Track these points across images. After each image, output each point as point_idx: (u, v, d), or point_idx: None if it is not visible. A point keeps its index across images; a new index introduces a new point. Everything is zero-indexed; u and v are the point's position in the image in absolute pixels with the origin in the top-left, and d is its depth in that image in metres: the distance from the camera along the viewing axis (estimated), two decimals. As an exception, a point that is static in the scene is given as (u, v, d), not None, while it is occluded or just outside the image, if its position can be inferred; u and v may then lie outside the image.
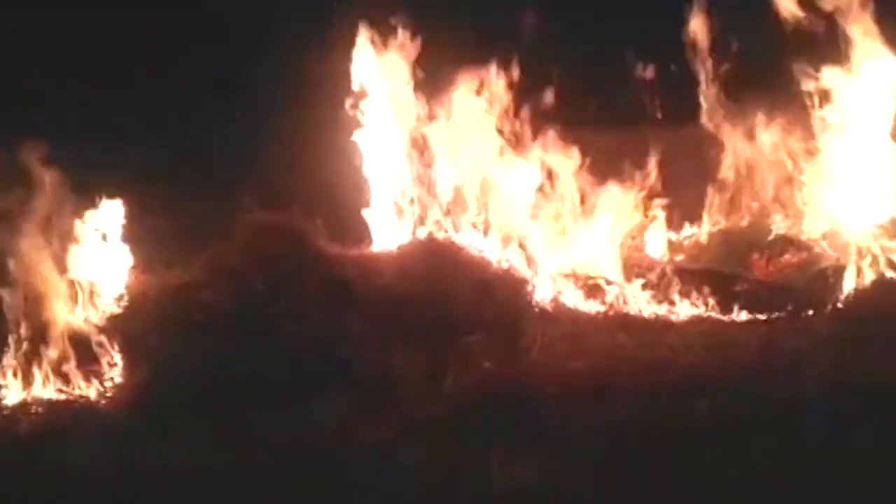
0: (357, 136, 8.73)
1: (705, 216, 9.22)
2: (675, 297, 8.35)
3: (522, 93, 8.80)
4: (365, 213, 8.78)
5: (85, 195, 7.87)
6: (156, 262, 8.09)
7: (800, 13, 8.70)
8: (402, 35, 8.64)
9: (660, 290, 8.42)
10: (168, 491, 6.30)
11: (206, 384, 7.07)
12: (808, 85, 8.66)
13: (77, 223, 7.84)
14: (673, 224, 9.23)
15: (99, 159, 8.07)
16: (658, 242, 9.18)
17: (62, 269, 7.69)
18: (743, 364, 7.16)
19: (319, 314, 7.53)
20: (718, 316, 8.13)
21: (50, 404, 7.31)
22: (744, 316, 8.06)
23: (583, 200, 8.95)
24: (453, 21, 8.62)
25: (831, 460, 6.12)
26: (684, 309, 8.26)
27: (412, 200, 8.74)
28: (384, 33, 8.64)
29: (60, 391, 7.40)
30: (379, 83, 8.70)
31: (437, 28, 8.60)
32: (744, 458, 6.21)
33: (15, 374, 7.44)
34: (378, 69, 8.68)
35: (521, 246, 8.63)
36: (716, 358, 7.32)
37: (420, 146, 8.77)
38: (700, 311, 8.21)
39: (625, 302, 8.40)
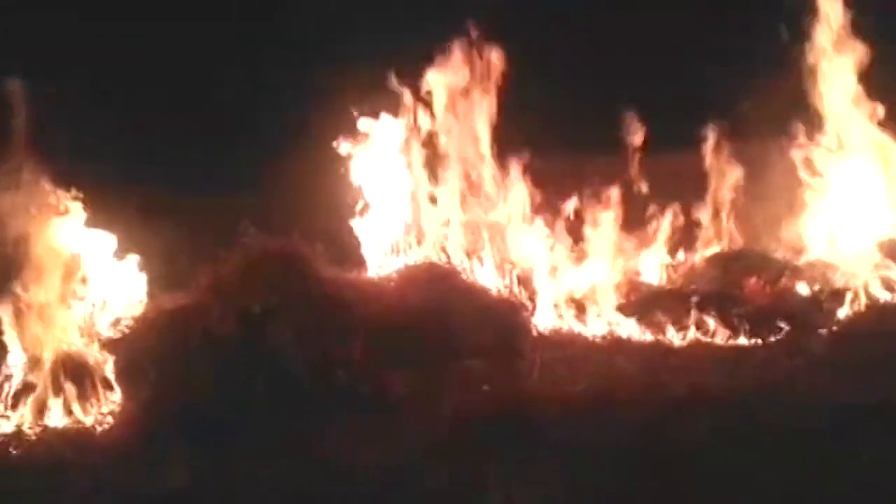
0: (357, 164, 8.80)
1: (701, 240, 9.28)
2: (671, 321, 8.37)
3: (520, 119, 8.87)
4: (364, 238, 8.82)
5: (82, 218, 7.85)
6: (154, 287, 8.08)
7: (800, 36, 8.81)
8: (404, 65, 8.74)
9: (657, 314, 8.45)
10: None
11: (205, 409, 7.04)
12: (806, 110, 8.74)
13: (74, 247, 7.80)
14: (669, 248, 9.27)
15: (96, 181, 8.04)
16: (654, 267, 9.23)
17: (60, 293, 7.62)
18: (741, 387, 7.20)
19: (318, 339, 7.51)
20: (717, 340, 8.15)
21: (46, 433, 7.18)
22: (742, 340, 8.09)
23: (580, 226, 9.02)
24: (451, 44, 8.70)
25: (830, 482, 6.13)
26: (682, 333, 8.27)
27: (411, 226, 8.80)
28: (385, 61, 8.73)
29: (56, 419, 7.27)
30: (378, 111, 8.77)
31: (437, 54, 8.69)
32: (742, 481, 6.22)
33: (8, 403, 7.32)
34: (377, 98, 8.76)
35: (519, 272, 8.69)
36: (714, 381, 7.35)
37: (419, 172, 8.83)
38: (697, 335, 8.22)
39: (622, 326, 8.43)
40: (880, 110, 8.76)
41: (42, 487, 6.53)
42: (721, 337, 8.14)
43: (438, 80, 8.80)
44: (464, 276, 8.52)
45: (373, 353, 7.52)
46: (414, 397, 7.26)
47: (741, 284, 8.66)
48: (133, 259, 8.03)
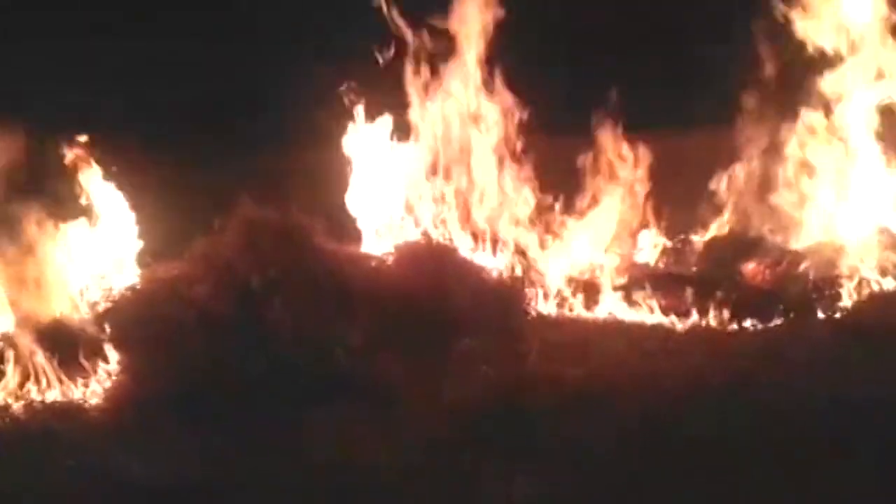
0: (356, 135, 8.65)
1: (701, 222, 9.18)
2: (670, 304, 8.28)
3: (522, 94, 8.73)
4: (362, 212, 8.70)
5: (75, 182, 7.68)
6: (147, 255, 7.93)
7: (797, 20, 8.67)
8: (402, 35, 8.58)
9: (654, 296, 8.36)
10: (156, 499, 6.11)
11: (197, 385, 6.92)
12: (807, 91, 8.61)
13: (67, 214, 7.62)
14: (667, 230, 9.17)
15: (90, 143, 7.88)
16: (651, 248, 9.13)
17: (50, 260, 7.44)
18: (740, 373, 7.09)
19: (315, 314, 7.40)
20: (715, 324, 8.05)
21: (36, 406, 7.03)
22: (743, 324, 7.98)
23: (578, 203, 8.92)
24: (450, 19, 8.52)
25: (831, 472, 6.04)
26: (681, 317, 8.17)
27: (410, 201, 8.68)
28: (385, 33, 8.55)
29: (48, 391, 7.12)
30: (379, 83, 8.63)
31: (439, 26, 8.52)
32: (741, 470, 6.13)
33: (-2, 374, 7.12)
34: (378, 69, 8.61)
35: (518, 250, 8.58)
36: (714, 367, 7.24)
37: (419, 146, 8.69)
38: (696, 319, 8.13)
39: (621, 309, 8.34)
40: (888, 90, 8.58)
41: (29, 462, 6.38)
42: (720, 322, 8.02)
43: (439, 49, 8.65)
44: (462, 255, 8.41)
45: (371, 332, 7.41)
46: (411, 379, 7.14)
47: (740, 268, 8.55)
48: (126, 225, 7.83)
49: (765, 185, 8.92)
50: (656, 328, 8.12)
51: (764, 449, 6.25)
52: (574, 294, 8.46)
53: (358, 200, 8.71)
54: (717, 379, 7.01)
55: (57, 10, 8.92)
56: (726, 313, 7.99)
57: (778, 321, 7.87)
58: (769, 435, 6.36)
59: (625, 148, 8.95)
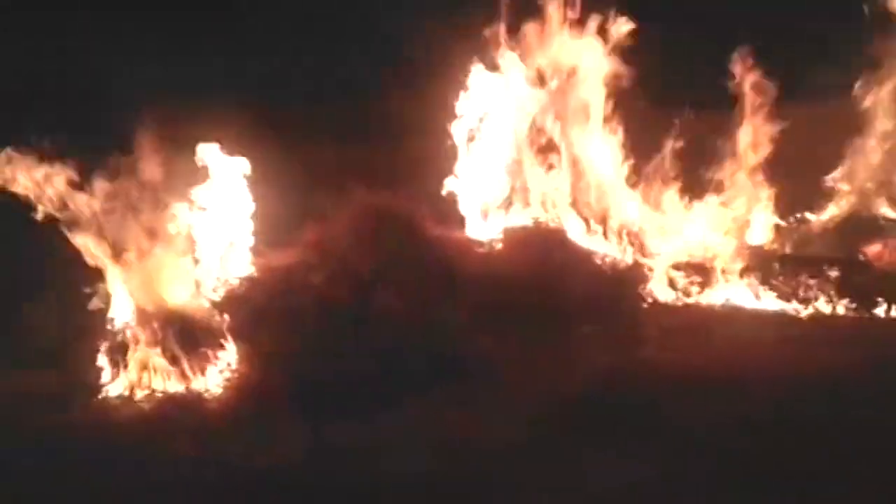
0: (467, 124, 8.50)
1: (817, 201, 8.87)
2: (791, 290, 8.03)
3: (634, 85, 8.49)
4: (468, 198, 8.54)
5: (191, 175, 7.67)
6: (261, 243, 7.89)
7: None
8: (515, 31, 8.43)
9: (773, 281, 8.11)
10: (274, 486, 6.05)
11: (314, 372, 6.84)
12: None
13: (181, 204, 7.58)
14: (781, 209, 8.86)
15: (205, 140, 7.86)
16: (765, 229, 8.84)
17: (170, 251, 7.40)
18: (864, 363, 6.85)
19: (429, 300, 7.32)
20: (841, 311, 7.77)
21: (158, 396, 7.00)
22: (873, 311, 7.70)
23: (691, 187, 8.67)
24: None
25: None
26: (803, 303, 7.93)
27: (520, 189, 8.52)
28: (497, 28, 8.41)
29: (168, 381, 7.06)
30: (492, 74, 8.48)
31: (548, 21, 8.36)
32: (863, 460, 5.92)
33: (118, 363, 7.11)
34: (491, 61, 8.48)
35: (631, 233, 8.40)
36: (838, 356, 7.00)
37: (530, 135, 8.53)
38: (818, 305, 7.86)
39: (739, 294, 8.12)
40: None
41: (150, 452, 6.35)
42: (844, 308, 7.75)
43: (548, 39, 8.48)
44: (573, 239, 8.26)
45: (482, 318, 7.31)
46: (524, 365, 7.04)
47: (864, 250, 8.24)
48: (240, 215, 7.80)
49: (888, 162, 8.58)
50: (778, 315, 7.91)
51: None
52: (689, 279, 8.25)
53: (465, 186, 8.55)
54: (848, 370, 6.76)
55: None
56: (851, 299, 7.72)
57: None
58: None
59: (740, 127, 8.65)
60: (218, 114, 7.31)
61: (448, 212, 8.32)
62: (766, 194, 8.73)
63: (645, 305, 8.00)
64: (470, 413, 6.56)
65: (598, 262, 8.21)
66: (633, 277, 8.18)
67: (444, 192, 8.38)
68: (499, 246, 8.17)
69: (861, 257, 8.26)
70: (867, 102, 8.63)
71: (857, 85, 8.61)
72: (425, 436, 6.37)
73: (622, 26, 8.29)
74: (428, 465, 6.06)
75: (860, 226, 8.55)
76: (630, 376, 6.93)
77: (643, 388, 6.74)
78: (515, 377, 6.91)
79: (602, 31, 8.39)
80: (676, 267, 8.35)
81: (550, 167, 8.52)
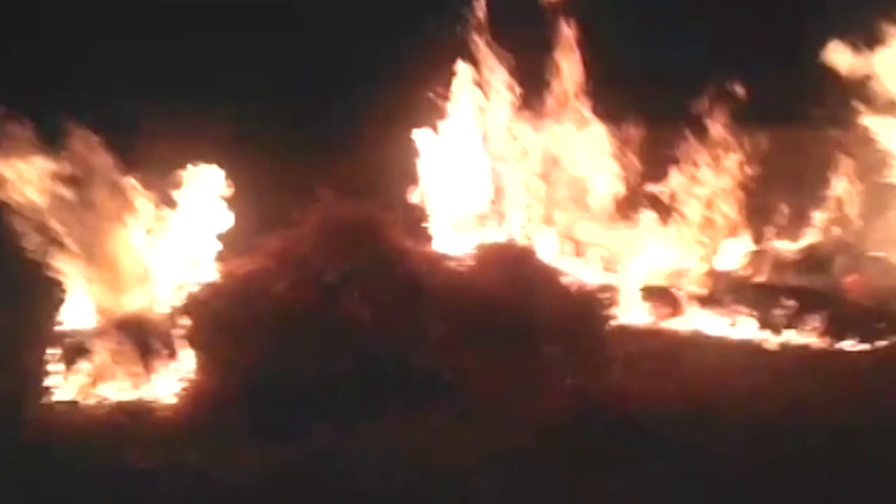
0: (440, 135, 8.41)
1: (790, 228, 8.74)
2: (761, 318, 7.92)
3: (605, 99, 8.43)
4: (438, 211, 8.43)
5: (151, 174, 7.50)
6: (224, 249, 7.72)
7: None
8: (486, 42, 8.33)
9: (743, 308, 8.00)
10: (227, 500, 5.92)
11: (271, 382, 6.68)
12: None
13: (141, 205, 7.41)
14: (757, 236, 8.73)
15: (165, 139, 7.69)
16: (736, 254, 8.72)
17: (123, 254, 7.24)
18: (841, 397, 6.72)
19: (393, 312, 7.15)
20: (811, 342, 7.67)
21: (105, 404, 6.83)
22: (842, 343, 7.60)
23: (662, 208, 8.56)
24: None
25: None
26: (773, 332, 7.82)
27: (490, 203, 8.44)
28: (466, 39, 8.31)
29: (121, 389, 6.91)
30: (462, 86, 8.38)
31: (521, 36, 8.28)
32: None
33: (68, 368, 6.92)
34: (463, 72, 8.38)
35: (602, 256, 8.29)
36: (812, 388, 6.89)
37: (502, 150, 8.43)
38: (791, 334, 7.76)
39: (708, 321, 8.00)
40: None
41: (99, 462, 6.18)
42: (818, 338, 7.65)
43: (517, 48, 8.38)
44: (544, 259, 8.12)
45: (449, 333, 7.14)
46: (489, 382, 6.89)
47: (838, 281, 8.13)
48: (203, 219, 7.63)
49: (868, 191, 8.47)
50: (746, 343, 7.78)
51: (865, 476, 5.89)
52: (658, 303, 8.13)
53: (437, 198, 8.44)
54: (816, 401, 6.65)
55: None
56: (824, 330, 7.62)
57: (883, 342, 7.46)
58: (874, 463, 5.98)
59: (713, 148, 8.55)
60: (183, 116, 7.20)
61: (418, 224, 8.20)
62: (741, 219, 8.61)
63: (612, 329, 7.85)
64: (431, 430, 6.40)
65: (568, 282, 8.06)
66: (601, 300, 8.03)
67: (414, 204, 8.26)
68: (468, 262, 8.01)
69: (836, 289, 8.13)
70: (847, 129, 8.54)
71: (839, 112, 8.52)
72: (387, 451, 6.20)
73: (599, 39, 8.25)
74: (388, 480, 5.91)
75: (836, 256, 8.41)
76: (593, 401, 6.69)
77: (606, 413, 6.51)
78: (479, 397, 6.75)
79: (579, 44, 8.33)
80: (646, 290, 8.23)
81: (524, 183, 8.44)
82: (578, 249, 8.43)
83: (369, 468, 6.10)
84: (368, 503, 5.91)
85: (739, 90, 8.44)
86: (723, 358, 7.48)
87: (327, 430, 6.37)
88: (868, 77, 8.23)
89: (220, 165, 7.46)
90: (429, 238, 8.24)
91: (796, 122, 8.79)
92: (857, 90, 8.27)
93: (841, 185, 8.51)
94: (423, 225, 8.26)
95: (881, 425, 6.30)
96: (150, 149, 7.19)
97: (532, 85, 8.49)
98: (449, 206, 8.43)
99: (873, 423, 6.31)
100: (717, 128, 8.49)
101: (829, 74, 8.27)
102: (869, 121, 8.34)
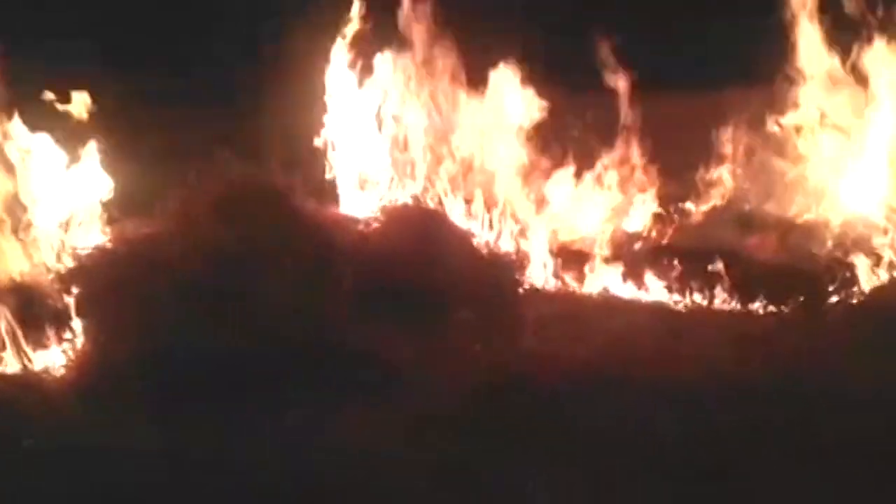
0: (338, 92, 8.10)
1: (697, 190, 8.69)
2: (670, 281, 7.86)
3: (521, 51, 8.19)
4: (342, 172, 8.14)
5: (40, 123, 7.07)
6: (115, 210, 7.37)
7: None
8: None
9: (651, 271, 7.95)
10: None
11: (165, 357, 6.41)
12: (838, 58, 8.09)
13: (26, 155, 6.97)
14: (660, 197, 8.67)
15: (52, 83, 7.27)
16: (644, 216, 8.66)
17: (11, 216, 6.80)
18: (749, 361, 6.71)
19: (295, 279, 6.89)
20: (719, 304, 7.64)
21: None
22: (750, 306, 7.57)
23: (572, 170, 8.42)
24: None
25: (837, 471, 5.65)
26: (682, 294, 7.77)
27: (394, 162, 8.16)
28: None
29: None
30: (367, 46, 8.07)
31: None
32: (744, 467, 5.76)
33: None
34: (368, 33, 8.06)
35: (511, 218, 8.12)
36: (721, 352, 6.85)
37: (407, 109, 8.15)
38: (697, 297, 7.72)
39: (617, 284, 7.91)
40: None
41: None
42: (724, 301, 7.62)
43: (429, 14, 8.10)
44: (452, 221, 7.94)
45: (353, 300, 6.93)
46: (397, 352, 6.70)
47: (744, 243, 8.12)
48: (93, 179, 7.21)
49: (771, 151, 8.44)
50: (655, 305, 7.72)
51: (770, 444, 5.87)
52: (568, 266, 8.01)
53: (341, 158, 8.15)
54: (726, 364, 6.62)
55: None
56: (731, 293, 7.60)
57: (788, 304, 7.46)
58: (777, 430, 5.98)
59: (621, 110, 8.43)
60: (76, 74, 6.81)
61: (322, 186, 7.93)
62: (648, 182, 8.50)
63: (522, 292, 7.72)
64: (337, 403, 6.15)
65: (477, 245, 7.92)
66: (511, 263, 7.91)
67: (318, 166, 7.97)
68: (375, 224, 7.79)
69: (742, 251, 8.11)
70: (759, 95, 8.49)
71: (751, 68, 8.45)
72: (289, 426, 5.97)
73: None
74: (290, 457, 5.70)
75: (740, 218, 8.39)
76: (504, 367, 6.62)
77: (517, 379, 6.45)
78: (388, 366, 6.55)
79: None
80: (555, 253, 8.10)
81: (430, 144, 8.20)
82: (487, 212, 8.19)
83: (270, 446, 5.86)
84: (269, 481, 5.64)
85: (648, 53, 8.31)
86: (632, 320, 7.39)
87: (225, 405, 6.09)
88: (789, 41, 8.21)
89: (116, 126, 7.07)
90: (334, 201, 7.97)
91: (708, 84, 8.72)
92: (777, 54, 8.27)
93: (747, 147, 8.47)
94: (328, 188, 7.96)
95: (790, 388, 6.28)
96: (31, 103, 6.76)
97: (446, 48, 8.20)
98: (354, 168, 8.15)
99: (782, 386, 6.29)
100: (627, 91, 8.34)
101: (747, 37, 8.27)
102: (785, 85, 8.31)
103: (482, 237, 8.02)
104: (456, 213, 8.09)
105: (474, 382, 6.45)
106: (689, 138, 8.68)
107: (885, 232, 7.81)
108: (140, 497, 5.54)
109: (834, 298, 7.50)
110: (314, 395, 6.24)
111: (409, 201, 8.03)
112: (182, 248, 6.92)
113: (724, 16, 8.77)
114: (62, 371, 6.47)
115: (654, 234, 8.50)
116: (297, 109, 8.05)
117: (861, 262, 7.57)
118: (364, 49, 8.10)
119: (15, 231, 6.77)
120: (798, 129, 8.31)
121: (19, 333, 6.44)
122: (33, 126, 6.93)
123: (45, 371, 6.47)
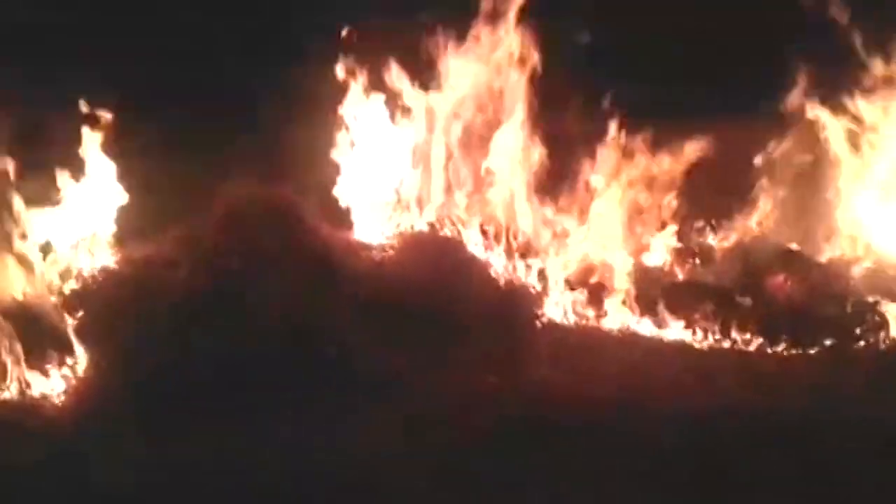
0: (360, 115, 7.99)
1: (722, 227, 8.48)
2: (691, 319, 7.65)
3: (534, 87, 8.03)
4: (358, 198, 8.00)
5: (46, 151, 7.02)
6: (124, 233, 7.27)
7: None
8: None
9: (672, 307, 7.74)
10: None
11: (172, 377, 6.32)
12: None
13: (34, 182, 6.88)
14: (682, 232, 8.44)
15: (69, 112, 7.24)
16: (665, 252, 8.45)
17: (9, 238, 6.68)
18: (770, 401, 6.54)
19: (306, 304, 6.80)
20: (741, 345, 7.44)
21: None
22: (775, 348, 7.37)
23: (592, 201, 8.23)
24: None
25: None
26: (704, 332, 7.58)
27: (412, 191, 8.01)
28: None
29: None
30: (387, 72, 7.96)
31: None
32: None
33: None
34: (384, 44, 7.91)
35: (530, 250, 7.94)
36: (744, 393, 6.69)
37: (427, 138, 8.01)
38: (719, 337, 7.53)
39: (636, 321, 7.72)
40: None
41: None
42: (746, 341, 7.42)
43: (445, 38, 7.99)
44: (469, 250, 7.77)
45: (366, 326, 6.82)
46: (408, 379, 6.57)
47: (768, 282, 7.88)
48: (97, 200, 7.13)
49: (799, 190, 8.25)
50: (674, 343, 7.51)
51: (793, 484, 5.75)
52: (586, 301, 7.82)
53: (358, 184, 8.01)
54: (748, 407, 6.42)
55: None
56: (755, 333, 7.39)
57: (814, 347, 7.26)
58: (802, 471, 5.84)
59: (642, 144, 8.25)
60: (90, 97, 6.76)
61: (336, 210, 7.80)
62: (671, 217, 8.32)
63: (539, 325, 7.53)
64: (343, 428, 6.06)
65: (494, 276, 7.74)
66: (528, 295, 7.71)
67: (333, 190, 7.84)
68: (389, 251, 7.65)
69: (765, 290, 7.88)
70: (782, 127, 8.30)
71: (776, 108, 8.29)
72: (297, 449, 5.87)
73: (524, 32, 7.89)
74: (295, 480, 5.62)
75: (764, 256, 8.18)
76: (518, 398, 6.50)
77: (531, 411, 6.32)
78: (398, 393, 6.42)
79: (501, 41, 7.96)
80: (574, 287, 7.91)
81: (451, 171, 8.03)
82: (507, 244, 8.02)
83: (277, 467, 5.77)
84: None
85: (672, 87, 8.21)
86: (650, 357, 7.23)
87: (233, 428, 5.99)
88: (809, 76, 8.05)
89: (126, 149, 6.99)
90: (346, 225, 7.83)
91: (730, 119, 8.56)
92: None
93: (771, 185, 8.28)
94: (343, 213, 7.83)
95: (812, 428, 6.14)
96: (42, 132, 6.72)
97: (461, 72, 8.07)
98: (368, 192, 8.01)
99: (804, 426, 6.15)
100: (647, 123, 8.17)
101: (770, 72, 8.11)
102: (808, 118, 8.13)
103: (499, 268, 7.83)
104: (472, 242, 7.93)
105: (486, 411, 6.35)
106: (717, 174, 8.51)
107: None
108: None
109: (861, 343, 7.30)
110: (321, 420, 6.11)
111: (426, 228, 7.88)
112: (188, 271, 6.82)
113: (750, 50, 8.57)
114: (66, 396, 6.35)
115: (672, 269, 8.33)
116: (315, 134, 7.95)
117: (892, 309, 7.37)
118: (380, 81, 7.99)
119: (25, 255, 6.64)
120: (829, 167, 8.17)
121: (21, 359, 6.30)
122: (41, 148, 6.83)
123: (47, 395, 6.35)
